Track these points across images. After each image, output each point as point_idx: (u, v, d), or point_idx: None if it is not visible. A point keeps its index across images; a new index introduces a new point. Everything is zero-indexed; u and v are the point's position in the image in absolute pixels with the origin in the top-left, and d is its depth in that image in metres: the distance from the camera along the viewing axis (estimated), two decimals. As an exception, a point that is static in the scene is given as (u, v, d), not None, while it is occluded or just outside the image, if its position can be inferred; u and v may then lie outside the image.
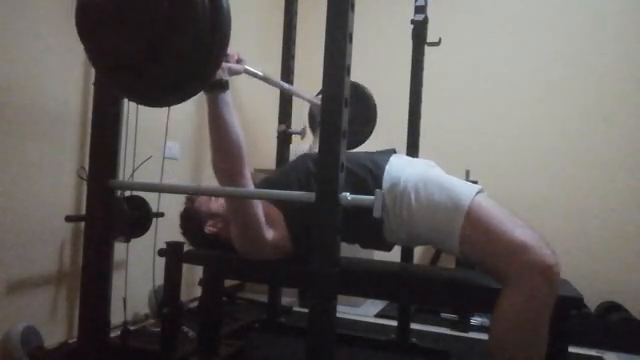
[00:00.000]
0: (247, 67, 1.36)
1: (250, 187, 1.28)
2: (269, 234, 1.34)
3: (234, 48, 1.28)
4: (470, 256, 1.19)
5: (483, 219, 1.16)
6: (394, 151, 1.48)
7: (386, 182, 1.30)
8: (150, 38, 0.85)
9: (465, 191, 1.21)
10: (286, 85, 1.94)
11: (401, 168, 1.33)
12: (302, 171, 1.42)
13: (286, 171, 1.52)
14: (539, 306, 1.07)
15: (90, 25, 0.91)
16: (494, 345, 1.11)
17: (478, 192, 1.22)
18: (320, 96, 2.18)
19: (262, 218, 1.32)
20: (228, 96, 1.21)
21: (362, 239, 1.42)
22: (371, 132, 2.28)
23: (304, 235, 1.35)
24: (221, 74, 1.18)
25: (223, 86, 1.19)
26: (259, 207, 1.31)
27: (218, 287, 1.60)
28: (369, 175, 1.32)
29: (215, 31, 0.87)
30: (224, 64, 1.22)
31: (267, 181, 1.55)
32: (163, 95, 0.95)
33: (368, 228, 1.30)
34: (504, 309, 1.09)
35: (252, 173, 3.21)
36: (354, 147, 2.25)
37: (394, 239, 1.32)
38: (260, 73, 1.50)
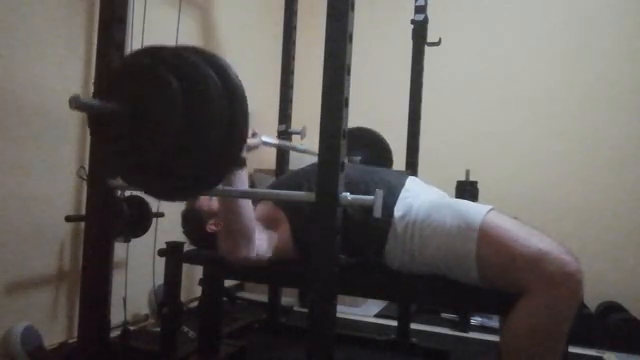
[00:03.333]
0: (264, 138, 1.36)
1: (263, 255, 1.27)
2: (270, 252, 1.33)
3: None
4: (488, 275, 1.14)
5: (497, 234, 1.13)
6: (409, 174, 1.47)
7: (398, 210, 1.28)
8: (169, 139, 0.85)
9: (477, 210, 1.19)
10: (303, 148, 2.04)
11: (415, 194, 1.32)
12: (309, 177, 1.42)
13: (294, 175, 1.52)
14: (559, 317, 1.04)
15: (106, 134, 0.92)
16: (508, 355, 1.09)
17: (490, 210, 1.20)
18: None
19: (262, 248, 1.30)
20: (245, 174, 1.20)
21: (359, 257, 1.40)
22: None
23: (307, 238, 1.35)
24: None
25: (240, 163, 1.17)
26: (260, 249, 1.29)
27: (218, 287, 1.60)
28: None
29: (234, 117, 0.87)
30: None
31: (275, 183, 1.55)
32: (186, 192, 0.96)
33: (368, 248, 1.30)
34: (521, 319, 1.06)
35: (252, 173, 3.23)
36: None
37: (395, 264, 1.29)
38: (276, 142, 1.53)
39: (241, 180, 1.18)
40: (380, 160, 2.28)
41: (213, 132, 0.85)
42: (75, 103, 0.83)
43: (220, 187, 1.23)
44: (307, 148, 2.08)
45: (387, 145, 2.31)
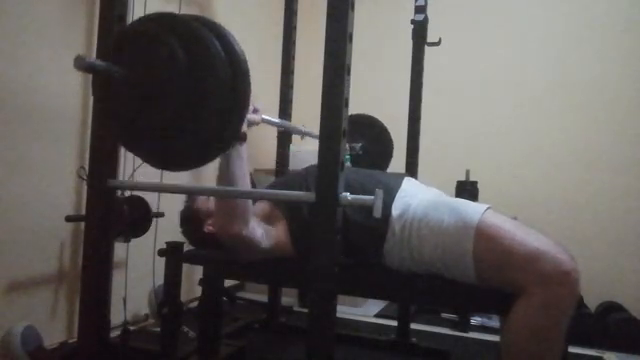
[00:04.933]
0: (264, 116, 1.36)
1: (256, 235, 1.25)
2: (268, 238, 1.32)
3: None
4: (485, 273, 1.15)
5: (494, 232, 1.14)
6: (405, 175, 1.47)
7: (396, 209, 1.28)
8: (172, 105, 0.86)
9: (474, 209, 1.20)
10: (304, 129, 1.99)
11: (412, 194, 1.33)
12: (306, 177, 1.42)
13: (291, 177, 1.52)
14: (557, 316, 1.04)
15: (111, 102, 0.92)
16: (507, 355, 1.09)
17: (487, 209, 1.20)
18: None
19: (260, 236, 1.28)
20: (244, 150, 1.19)
21: (358, 257, 1.39)
22: (387, 165, 2.32)
23: (305, 238, 1.35)
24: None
25: (241, 137, 1.17)
26: (256, 237, 1.27)
27: (218, 287, 1.60)
28: None
29: (236, 86, 0.88)
30: None
31: (271, 185, 1.55)
32: (186, 160, 0.96)
33: (367, 248, 1.30)
34: (520, 319, 1.06)
35: (252, 173, 3.21)
36: None
37: (395, 264, 1.29)
38: (278, 121, 1.52)
39: (241, 155, 1.18)
40: (380, 147, 2.29)
41: (215, 99, 0.86)
42: (80, 63, 0.83)
43: (220, 187, 1.24)
44: (309, 131, 2.07)
45: (387, 132, 2.31)
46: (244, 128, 1.19)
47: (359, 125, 2.27)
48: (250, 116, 1.26)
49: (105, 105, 0.96)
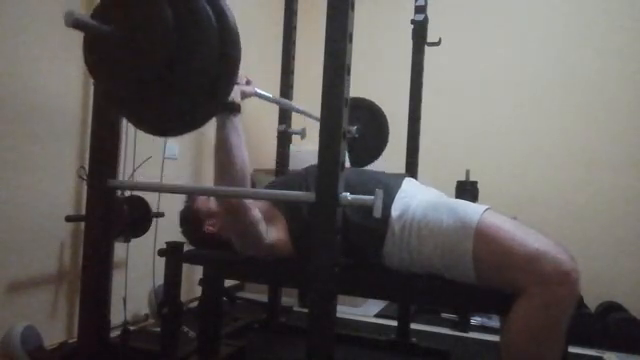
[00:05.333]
0: (257, 90, 1.36)
1: (252, 211, 1.25)
2: (270, 236, 1.33)
3: (242, 71, 1.29)
4: (485, 274, 1.15)
5: (494, 233, 1.13)
6: (405, 176, 1.47)
7: (395, 210, 1.28)
8: (161, 63, 0.85)
9: (473, 210, 1.19)
10: (297, 106, 1.95)
11: (412, 195, 1.33)
12: (306, 177, 1.42)
13: (291, 177, 1.52)
14: (557, 316, 1.04)
15: (99, 59, 0.92)
16: (507, 355, 1.09)
17: (486, 209, 1.20)
18: None
19: (260, 225, 1.29)
20: (238, 120, 1.20)
21: (358, 259, 1.39)
22: (383, 149, 2.31)
23: (305, 238, 1.35)
24: (233, 96, 1.18)
25: (235, 108, 1.18)
26: (256, 215, 1.28)
27: (218, 287, 1.60)
28: None
29: (225, 50, 0.87)
30: (236, 87, 1.21)
31: (270, 185, 1.55)
32: (176, 124, 0.95)
33: (366, 249, 1.30)
34: (520, 319, 1.06)
35: (252, 173, 3.22)
36: (367, 164, 2.29)
37: (394, 264, 1.29)
38: (270, 95, 1.51)
39: (236, 126, 1.19)
40: (376, 130, 2.28)
41: (204, 60, 0.85)
42: (70, 20, 0.83)
43: (220, 187, 1.24)
44: (306, 110, 2.04)
45: (384, 115, 2.30)
46: (237, 99, 1.20)
47: (355, 108, 2.25)
48: (244, 88, 1.26)
49: (95, 65, 0.95)
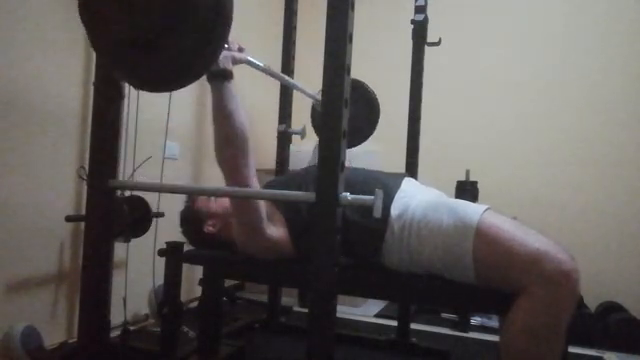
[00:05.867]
0: (249, 57, 1.36)
1: (253, 179, 1.26)
2: (270, 230, 1.34)
3: (234, 38, 1.29)
4: (485, 274, 1.15)
5: (494, 233, 1.13)
6: (405, 175, 1.47)
7: (395, 210, 1.28)
8: (153, 17, 0.85)
9: (473, 210, 1.19)
10: (287, 78, 1.90)
11: (412, 195, 1.33)
12: (306, 178, 1.42)
13: (290, 176, 1.52)
14: (557, 316, 1.04)
15: (93, 7, 0.92)
16: (507, 355, 1.09)
17: (486, 209, 1.20)
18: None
19: (264, 214, 1.31)
20: (233, 86, 1.21)
21: (357, 258, 1.39)
22: (373, 130, 2.28)
23: (304, 238, 1.35)
24: (225, 63, 1.19)
25: (227, 75, 1.19)
26: (261, 204, 1.30)
27: (218, 287, 1.60)
28: None
29: (218, 8, 0.87)
30: (227, 52, 1.22)
31: (270, 184, 1.55)
32: (168, 77, 0.94)
33: (365, 248, 1.30)
34: (520, 319, 1.06)
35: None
36: (356, 144, 2.26)
37: (394, 264, 1.29)
38: (261, 64, 1.50)
39: (231, 91, 1.20)
40: (367, 111, 2.25)
41: (198, 10, 0.85)
42: None
43: (219, 187, 1.24)
44: (296, 83, 2.01)
45: (374, 96, 2.26)
46: (229, 66, 1.21)
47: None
48: (235, 54, 1.26)
49: (89, 19, 0.95)
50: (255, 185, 1.28)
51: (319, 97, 2.05)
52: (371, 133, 2.28)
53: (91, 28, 0.94)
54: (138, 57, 0.91)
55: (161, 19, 0.85)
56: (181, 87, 0.95)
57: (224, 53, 1.20)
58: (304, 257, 1.34)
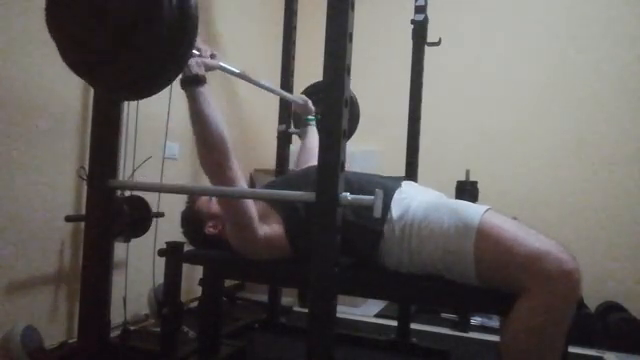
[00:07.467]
0: (222, 63, 1.37)
1: (240, 180, 1.27)
2: (263, 230, 1.34)
3: (207, 45, 1.30)
4: (486, 274, 1.15)
5: (495, 233, 1.13)
6: (404, 178, 1.47)
7: (395, 210, 1.28)
8: (119, 27, 0.86)
9: (474, 210, 1.19)
10: (264, 82, 1.89)
11: (412, 196, 1.33)
12: (306, 177, 1.42)
13: (290, 176, 1.52)
14: (558, 316, 1.04)
15: (61, 19, 0.93)
16: (507, 355, 1.09)
17: (487, 210, 1.20)
18: (301, 94, 2.19)
19: (254, 215, 1.31)
20: (207, 91, 1.22)
21: (354, 257, 1.38)
22: (354, 129, 2.28)
23: (302, 237, 1.35)
24: (197, 69, 1.20)
25: (200, 80, 1.20)
26: (250, 205, 1.30)
27: (218, 287, 1.60)
28: None
29: (182, 16, 0.87)
30: (199, 59, 1.24)
31: (269, 185, 1.56)
32: (137, 84, 0.94)
33: (363, 248, 1.30)
34: (520, 319, 1.06)
35: (252, 173, 3.22)
36: None
37: (393, 265, 1.29)
38: (236, 70, 1.50)
39: (205, 96, 1.21)
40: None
41: (164, 16, 0.86)
42: None
43: (220, 187, 1.24)
44: (275, 88, 2.01)
45: (354, 96, 2.25)
46: (202, 72, 1.22)
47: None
48: (207, 60, 1.27)
49: (58, 27, 0.96)
50: (243, 186, 1.29)
51: (300, 100, 2.07)
52: (352, 132, 2.28)
53: (59, 41, 0.95)
54: (104, 68, 0.92)
55: (124, 29, 0.86)
56: (153, 94, 0.96)
57: (196, 59, 1.22)
58: (301, 257, 1.34)
